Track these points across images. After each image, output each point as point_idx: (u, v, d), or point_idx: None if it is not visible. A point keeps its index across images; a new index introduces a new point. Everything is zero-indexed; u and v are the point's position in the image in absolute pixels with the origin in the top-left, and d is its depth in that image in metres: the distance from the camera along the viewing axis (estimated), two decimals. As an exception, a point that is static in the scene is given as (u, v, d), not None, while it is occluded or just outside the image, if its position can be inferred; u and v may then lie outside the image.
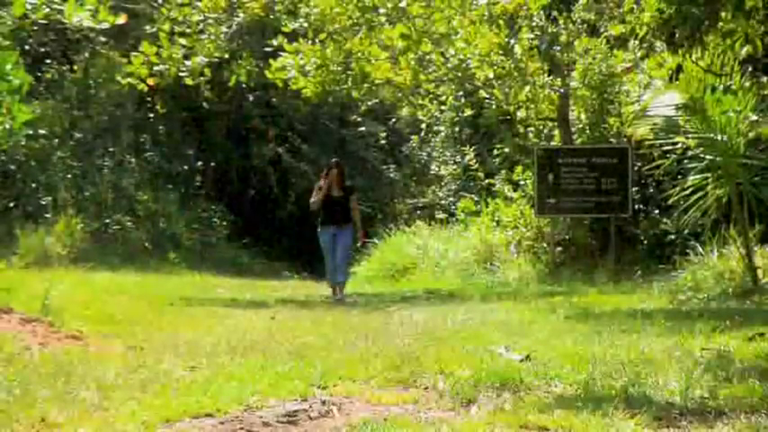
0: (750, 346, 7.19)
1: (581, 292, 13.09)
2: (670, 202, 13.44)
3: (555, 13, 16.19)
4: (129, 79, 15.94)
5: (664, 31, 9.08)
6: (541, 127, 17.93)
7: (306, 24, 15.99)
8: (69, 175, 21.48)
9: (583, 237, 16.53)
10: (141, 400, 5.61)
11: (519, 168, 17.98)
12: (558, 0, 16.10)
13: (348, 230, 13.86)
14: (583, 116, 17.25)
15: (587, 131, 17.11)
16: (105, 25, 7.72)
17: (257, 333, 9.29)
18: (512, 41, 15.80)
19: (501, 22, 15.17)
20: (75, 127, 22.60)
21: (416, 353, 7.40)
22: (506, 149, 19.29)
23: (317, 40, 16.01)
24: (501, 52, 15.85)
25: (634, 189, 15.91)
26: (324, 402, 5.68)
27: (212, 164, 28.58)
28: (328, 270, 14.00)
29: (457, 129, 22.60)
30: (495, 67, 16.18)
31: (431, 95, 19.70)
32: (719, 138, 12.18)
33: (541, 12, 15.84)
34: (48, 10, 7.72)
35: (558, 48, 16.09)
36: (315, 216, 14.49)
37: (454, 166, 23.27)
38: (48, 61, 23.52)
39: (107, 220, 21.61)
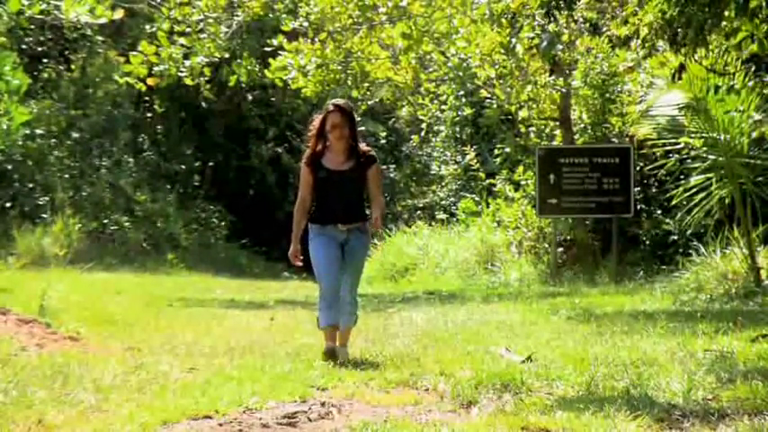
0: (753, 348, 7.14)
1: (583, 292, 13.05)
2: (673, 202, 13.38)
3: (555, 11, 16.11)
4: (126, 78, 15.92)
5: (667, 32, 9.04)
6: (543, 127, 17.88)
7: (306, 24, 15.96)
8: (67, 175, 21.51)
9: (584, 237, 16.49)
10: (139, 402, 5.57)
11: (520, 168, 17.94)
12: (558, -2, 16.03)
13: (363, 236, 7.68)
14: (585, 116, 17.21)
15: (589, 131, 17.07)
16: (103, 20, 7.69)
17: (256, 334, 9.26)
18: (513, 40, 15.75)
19: (503, 20, 15.11)
20: (72, 127, 22.61)
21: (417, 354, 7.37)
22: (507, 149, 19.23)
23: (316, 40, 15.97)
24: (502, 51, 15.80)
25: (636, 189, 15.86)
26: (323, 404, 5.65)
27: (211, 164, 28.57)
28: (323, 301, 7.59)
29: (458, 128, 22.55)
30: (497, 67, 16.14)
31: (431, 95, 19.66)
32: (723, 137, 12.12)
33: (542, 10, 15.77)
34: (44, 6, 7.69)
35: (560, 47, 16.04)
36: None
37: (455, 166, 23.23)
38: (45, 61, 23.52)
39: (105, 221, 21.60)
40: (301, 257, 7.60)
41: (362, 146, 7.66)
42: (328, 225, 7.53)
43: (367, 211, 7.70)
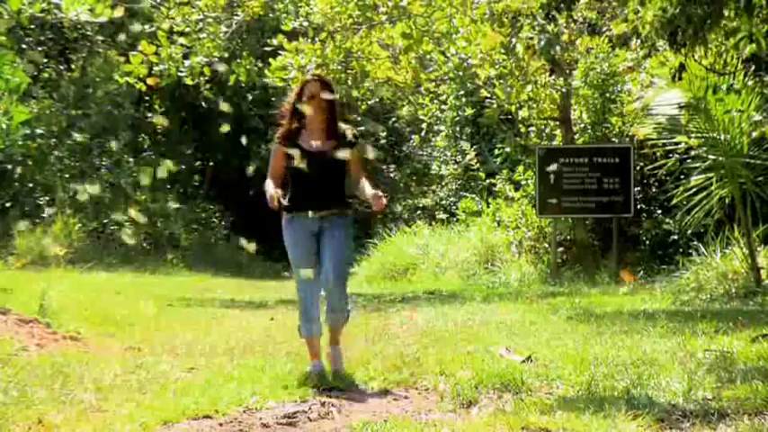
0: (753, 348, 7.13)
1: (583, 292, 13.05)
2: (673, 202, 13.37)
3: (554, 12, 16.10)
4: (126, 78, 15.92)
5: (667, 30, 9.03)
6: (543, 126, 17.87)
7: (306, 23, 15.96)
8: (67, 175, 21.48)
9: (585, 237, 16.48)
10: (139, 402, 5.57)
11: (520, 168, 17.93)
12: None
13: (344, 223, 6.67)
14: (585, 115, 17.20)
15: (589, 131, 17.06)
16: (103, 18, 7.68)
17: (256, 334, 9.26)
18: (513, 40, 15.75)
19: (504, 20, 15.11)
20: (72, 126, 22.60)
21: (417, 354, 7.36)
22: (508, 149, 19.22)
23: (316, 40, 15.96)
24: (502, 51, 15.79)
25: (636, 189, 15.86)
26: (323, 404, 5.65)
27: (211, 163, 28.55)
28: (301, 305, 6.71)
29: (458, 128, 22.53)
30: (497, 66, 16.13)
31: (431, 95, 19.65)
32: (723, 137, 12.12)
33: (542, 11, 15.76)
34: (44, 4, 7.69)
35: (559, 47, 16.05)
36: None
37: (455, 166, 23.21)
38: (45, 61, 23.50)
39: (105, 221, 21.60)
40: (281, 198, 6.37)
41: (343, 125, 6.65)
42: (300, 213, 6.54)
43: (358, 200, 6.79)
